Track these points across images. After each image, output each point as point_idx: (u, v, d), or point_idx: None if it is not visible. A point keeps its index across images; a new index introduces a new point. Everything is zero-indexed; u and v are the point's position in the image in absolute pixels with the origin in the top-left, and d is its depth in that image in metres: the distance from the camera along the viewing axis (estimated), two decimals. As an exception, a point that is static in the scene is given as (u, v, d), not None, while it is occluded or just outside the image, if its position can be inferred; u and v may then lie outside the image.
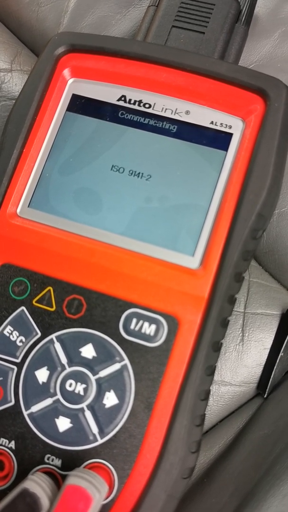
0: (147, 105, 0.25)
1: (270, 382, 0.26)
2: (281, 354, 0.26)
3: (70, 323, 0.22)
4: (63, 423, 0.21)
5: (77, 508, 0.18)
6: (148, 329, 0.22)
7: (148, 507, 0.20)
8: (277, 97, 0.23)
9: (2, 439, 0.21)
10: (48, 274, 0.23)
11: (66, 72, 0.25)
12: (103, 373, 0.22)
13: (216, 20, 0.27)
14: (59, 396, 0.22)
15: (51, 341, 0.22)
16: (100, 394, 0.21)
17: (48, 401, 0.22)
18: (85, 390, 0.21)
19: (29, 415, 0.22)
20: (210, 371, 0.22)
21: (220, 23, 0.27)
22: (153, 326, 0.22)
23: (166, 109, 0.24)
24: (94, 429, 0.21)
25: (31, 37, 0.34)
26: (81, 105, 0.25)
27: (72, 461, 0.21)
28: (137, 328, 0.22)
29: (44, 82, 0.25)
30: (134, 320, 0.22)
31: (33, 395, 0.22)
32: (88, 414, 0.21)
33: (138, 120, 0.24)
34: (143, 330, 0.22)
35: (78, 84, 0.25)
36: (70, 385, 0.22)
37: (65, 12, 0.33)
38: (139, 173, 0.24)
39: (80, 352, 0.22)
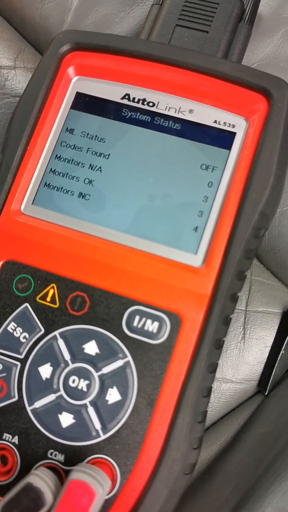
0: (150, 104, 0.25)
1: (271, 379, 0.27)
2: (282, 352, 0.27)
3: (74, 320, 0.22)
4: (66, 419, 0.21)
5: (81, 502, 0.18)
6: (151, 326, 0.22)
7: (150, 502, 0.20)
8: (280, 97, 0.23)
9: (5, 434, 0.22)
10: (52, 271, 0.23)
11: (70, 70, 0.25)
12: (106, 369, 0.22)
13: (220, 19, 0.27)
14: (62, 392, 0.22)
15: (55, 337, 0.22)
16: (103, 391, 0.22)
17: (51, 397, 0.22)
18: (88, 386, 0.22)
19: (33, 410, 0.22)
20: (212, 368, 0.22)
21: (224, 22, 0.27)
22: (156, 324, 0.22)
23: (169, 107, 0.24)
24: (97, 425, 0.21)
25: (35, 35, 0.34)
26: (85, 103, 0.25)
27: (75, 457, 0.21)
28: (140, 325, 0.22)
29: (48, 80, 0.25)
30: (137, 317, 0.22)
31: (37, 391, 0.22)
32: (91, 410, 0.21)
33: (142, 118, 0.24)
34: (146, 327, 0.22)
35: (82, 82, 0.25)
36: (73, 381, 0.22)
37: (68, 9, 0.33)
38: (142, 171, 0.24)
39: (83, 348, 0.22)
